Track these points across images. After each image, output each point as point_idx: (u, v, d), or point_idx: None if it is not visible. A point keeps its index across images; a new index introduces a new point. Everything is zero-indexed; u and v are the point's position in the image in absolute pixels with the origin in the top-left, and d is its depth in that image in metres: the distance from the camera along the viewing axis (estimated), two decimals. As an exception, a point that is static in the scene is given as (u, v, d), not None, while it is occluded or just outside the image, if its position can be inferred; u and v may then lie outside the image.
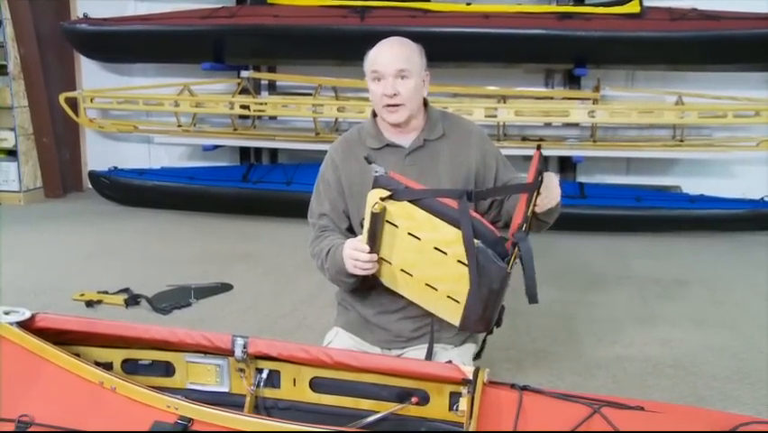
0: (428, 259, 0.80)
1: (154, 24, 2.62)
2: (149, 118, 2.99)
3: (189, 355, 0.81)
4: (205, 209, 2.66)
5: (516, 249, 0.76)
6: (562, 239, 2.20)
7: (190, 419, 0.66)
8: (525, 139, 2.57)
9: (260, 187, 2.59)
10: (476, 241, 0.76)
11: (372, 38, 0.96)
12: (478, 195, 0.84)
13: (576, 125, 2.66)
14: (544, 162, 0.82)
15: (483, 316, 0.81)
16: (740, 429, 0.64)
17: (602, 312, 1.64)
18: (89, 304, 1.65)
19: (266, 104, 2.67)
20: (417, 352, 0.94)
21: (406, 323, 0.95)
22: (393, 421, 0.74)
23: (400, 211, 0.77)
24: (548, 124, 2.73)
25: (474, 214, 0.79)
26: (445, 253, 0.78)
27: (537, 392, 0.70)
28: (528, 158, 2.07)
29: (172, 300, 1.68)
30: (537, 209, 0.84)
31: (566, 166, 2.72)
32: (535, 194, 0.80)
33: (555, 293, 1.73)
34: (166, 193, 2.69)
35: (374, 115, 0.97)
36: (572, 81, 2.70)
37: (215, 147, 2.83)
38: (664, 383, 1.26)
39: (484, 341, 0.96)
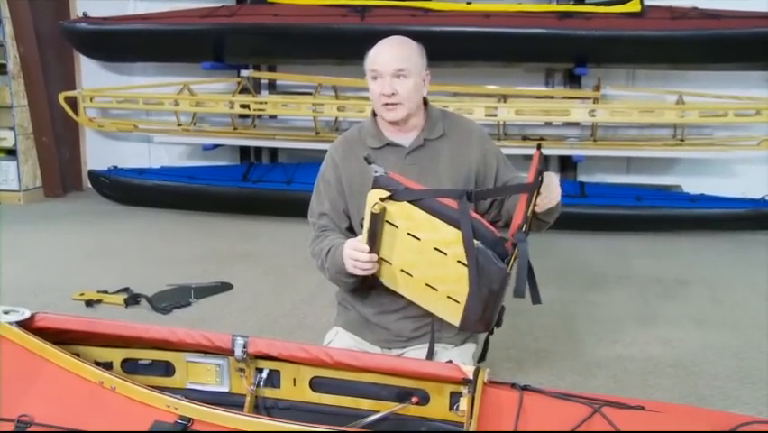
0: (428, 259, 0.80)
1: (154, 23, 2.62)
2: (149, 117, 2.99)
3: (189, 355, 0.81)
4: (205, 209, 2.66)
5: (516, 249, 0.76)
6: (562, 238, 2.20)
7: (190, 419, 0.66)
8: (525, 138, 2.57)
9: (260, 186, 2.59)
10: (476, 242, 0.76)
11: (372, 37, 0.95)
12: (478, 195, 0.84)
13: (576, 125, 2.66)
14: (545, 162, 0.81)
15: (483, 316, 0.81)
16: (741, 429, 0.64)
17: (603, 312, 1.64)
18: (89, 304, 1.65)
19: (266, 103, 2.67)
20: (418, 351, 0.94)
21: (406, 323, 0.95)
22: (393, 421, 0.74)
23: (400, 211, 0.77)
24: (548, 124, 2.73)
25: (474, 214, 0.79)
26: (445, 254, 0.78)
27: (538, 392, 0.70)
28: (529, 157, 2.06)
29: (172, 300, 1.68)
30: (537, 209, 0.84)
31: (566, 165, 2.72)
32: (536, 194, 0.80)
33: (556, 293, 1.73)
34: (166, 192, 2.69)
35: (374, 114, 0.97)
36: (573, 80, 2.70)
37: (215, 146, 2.83)
38: (665, 383, 1.26)
39: (486, 342, 0.96)
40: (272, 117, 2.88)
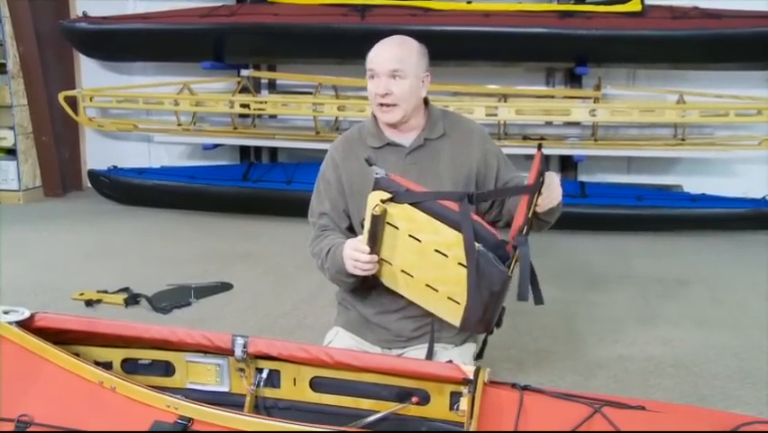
0: (429, 261, 0.80)
1: (154, 23, 2.62)
2: (148, 117, 2.99)
3: (189, 355, 0.80)
4: (205, 208, 2.66)
5: (517, 252, 0.76)
6: (562, 238, 2.19)
7: (190, 419, 0.66)
8: (525, 138, 2.57)
9: (261, 186, 2.58)
10: (477, 244, 0.75)
11: (373, 37, 0.95)
12: (479, 197, 0.84)
13: (577, 124, 2.66)
14: (546, 162, 0.81)
15: (483, 317, 0.81)
16: (742, 429, 0.64)
17: (603, 312, 1.64)
18: (89, 303, 1.65)
19: (266, 102, 2.67)
20: (418, 351, 0.94)
21: (406, 322, 0.95)
22: (393, 421, 0.74)
23: (401, 213, 0.77)
24: (549, 123, 2.72)
25: (475, 217, 0.79)
26: (446, 256, 0.78)
27: (538, 392, 0.70)
28: (529, 157, 2.07)
29: (172, 300, 1.68)
30: (538, 209, 0.83)
31: (567, 165, 2.72)
32: (537, 194, 0.80)
33: (556, 292, 1.72)
34: (166, 192, 2.69)
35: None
36: (573, 80, 2.70)
37: (215, 146, 2.82)
38: (666, 383, 1.26)
39: (485, 341, 0.96)
40: (272, 117, 2.88)
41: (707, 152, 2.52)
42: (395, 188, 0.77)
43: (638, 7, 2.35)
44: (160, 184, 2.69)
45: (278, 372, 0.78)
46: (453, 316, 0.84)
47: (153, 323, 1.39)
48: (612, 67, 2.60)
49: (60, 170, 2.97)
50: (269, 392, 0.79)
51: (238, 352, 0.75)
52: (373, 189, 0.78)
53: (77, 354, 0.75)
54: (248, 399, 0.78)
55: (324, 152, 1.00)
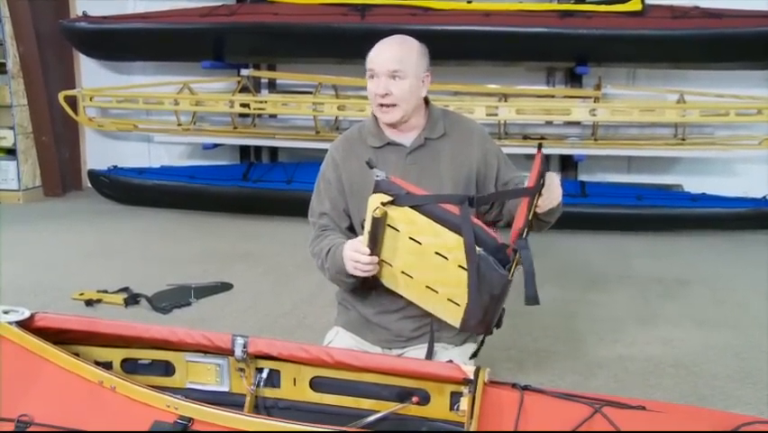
0: (429, 263, 0.80)
1: (154, 23, 2.62)
2: (148, 117, 2.99)
3: (189, 355, 0.80)
4: (205, 208, 2.66)
5: (518, 256, 0.76)
6: (563, 238, 2.19)
7: (190, 419, 0.66)
8: (526, 137, 2.57)
9: (261, 186, 2.58)
10: (477, 248, 0.75)
11: (373, 36, 0.95)
12: (479, 200, 0.84)
13: (577, 124, 2.65)
14: (546, 162, 0.81)
15: (483, 320, 0.81)
16: (742, 429, 0.64)
17: (603, 311, 1.64)
18: (89, 303, 1.65)
19: (266, 102, 2.67)
20: (418, 351, 0.94)
21: (406, 322, 0.95)
22: (394, 421, 0.74)
23: (402, 216, 0.77)
24: (549, 123, 2.72)
25: (476, 220, 0.79)
26: (446, 258, 0.78)
27: (538, 392, 0.70)
28: (530, 156, 2.06)
29: (172, 300, 1.67)
30: (538, 210, 0.83)
31: (567, 164, 2.71)
32: (537, 195, 0.80)
33: (556, 292, 1.73)
34: (166, 192, 2.68)
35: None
36: (574, 79, 2.69)
37: (215, 146, 2.82)
38: (666, 383, 1.26)
39: (482, 342, 0.96)
40: (272, 116, 2.88)
41: (707, 151, 2.52)
42: (395, 191, 0.77)
43: (638, 7, 2.35)
44: (159, 184, 2.69)
45: (278, 372, 0.78)
46: (453, 317, 0.84)
47: (153, 323, 1.39)
48: (612, 66, 2.59)
49: (60, 170, 2.97)
50: (269, 392, 0.79)
51: (238, 352, 0.75)
52: (374, 192, 0.78)
53: (77, 354, 0.75)
54: (248, 399, 0.78)
55: (325, 151, 1.00)
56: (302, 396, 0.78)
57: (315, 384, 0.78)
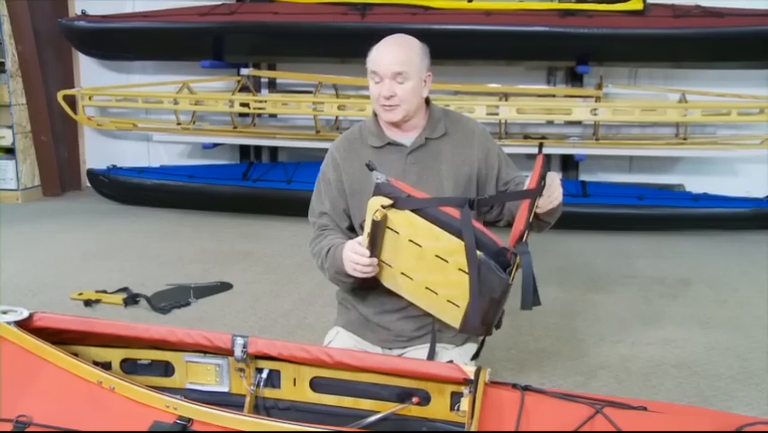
0: (429, 265, 0.80)
1: (153, 21, 2.61)
2: (148, 116, 2.99)
3: (189, 355, 0.80)
4: (204, 208, 2.66)
5: (518, 259, 0.76)
6: (564, 238, 2.19)
7: (190, 419, 0.66)
8: (527, 137, 2.56)
9: (261, 185, 2.58)
10: (478, 252, 0.75)
11: (373, 35, 0.95)
12: (480, 203, 0.84)
13: (578, 123, 2.65)
14: (547, 163, 0.81)
15: (483, 321, 0.81)
16: (744, 430, 0.63)
17: (605, 312, 1.63)
18: (88, 303, 1.64)
19: (266, 101, 2.66)
20: (418, 351, 0.93)
21: (407, 322, 0.94)
22: (394, 421, 0.74)
23: (402, 219, 0.77)
24: (550, 122, 2.72)
25: (476, 224, 0.78)
26: (447, 261, 0.78)
27: (539, 392, 0.70)
28: (530, 156, 2.06)
29: (171, 300, 1.67)
30: (539, 210, 0.83)
31: (568, 164, 2.71)
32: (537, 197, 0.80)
33: (558, 292, 1.72)
34: (165, 192, 2.68)
35: (375, 113, 0.96)
36: (575, 79, 2.69)
37: (215, 145, 2.82)
38: (668, 383, 1.25)
39: (482, 342, 0.96)
40: (272, 116, 2.88)
41: (709, 151, 2.52)
42: (396, 194, 0.77)
43: (640, 6, 2.35)
44: (159, 183, 2.69)
45: (278, 372, 0.78)
46: (453, 318, 0.84)
47: (152, 323, 1.40)
48: (614, 66, 2.59)
49: (59, 170, 2.97)
50: (268, 393, 0.79)
51: (238, 352, 0.75)
52: (374, 194, 0.78)
53: (75, 355, 0.75)
54: (248, 399, 0.78)
55: (325, 151, 0.99)
56: (302, 396, 0.78)
57: (316, 385, 0.78)
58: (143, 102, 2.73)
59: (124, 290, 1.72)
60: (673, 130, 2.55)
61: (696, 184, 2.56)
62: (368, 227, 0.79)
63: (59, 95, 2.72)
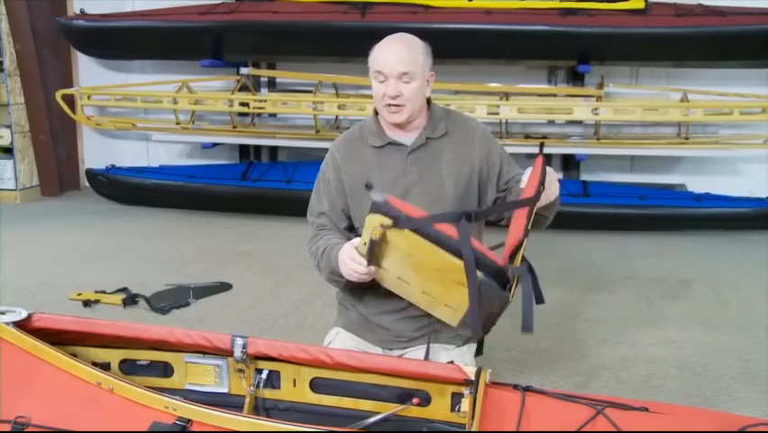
0: (428, 276, 0.80)
1: (152, 21, 2.61)
2: (147, 116, 2.98)
3: (188, 356, 0.80)
4: (204, 208, 2.65)
5: (518, 277, 0.75)
6: (565, 238, 2.18)
7: (189, 420, 0.65)
8: (527, 137, 2.56)
9: (260, 185, 2.57)
10: (479, 273, 0.75)
11: (373, 34, 0.94)
12: (478, 215, 0.84)
13: (580, 123, 2.65)
14: (547, 162, 0.80)
15: (482, 328, 0.81)
16: (746, 431, 0.63)
17: (606, 312, 1.63)
18: (87, 304, 1.64)
19: (266, 101, 2.65)
20: (419, 352, 0.93)
21: (407, 323, 0.94)
22: (394, 422, 0.74)
23: (401, 238, 0.77)
24: (551, 122, 2.71)
25: (476, 244, 0.77)
26: (446, 276, 0.78)
27: (540, 393, 0.70)
28: (531, 156, 2.05)
29: (171, 300, 1.67)
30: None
31: (569, 164, 2.70)
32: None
33: (559, 293, 1.72)
34: (164, 191, 2.68)
35: (376, 112, 0.96)
36: (576, 78, 2.69)
37: (214, 145, 2.82)
38: (669, 384, 1.25)
39: (482, 339, 0.95)
40: (272, 115, 2.88)
41: (711, 150, 2.51)
42: (394, 214, 0.76)
43: (641, 4, 2.34)
44: (158, 183, 2.68)
45: (277, 372, 0.78)
46: (450, 319, 0.84)
47: (152, 323, 1.41)
48: (615, 65, 2.59)
49: (58, 169, 2.97)
50: (268, 393, 0.78)
51: (237, 352, 0.75)
52: (371, 212, 0.77)
53: (74, 355, 0.75)
54: (247, 400, 0.78)
55: (325, 150, 0.99)
56: (302, 397, 0.78)
57: (316, 385, 0.77)
58: (142, 101, 2.72)
59: (123, 290, 1.72)
60: (675, 129, 2.54)
61: (698, 184, 2.55)
62: (366, 236, 0.78)
63: (58, 94, 2.71)
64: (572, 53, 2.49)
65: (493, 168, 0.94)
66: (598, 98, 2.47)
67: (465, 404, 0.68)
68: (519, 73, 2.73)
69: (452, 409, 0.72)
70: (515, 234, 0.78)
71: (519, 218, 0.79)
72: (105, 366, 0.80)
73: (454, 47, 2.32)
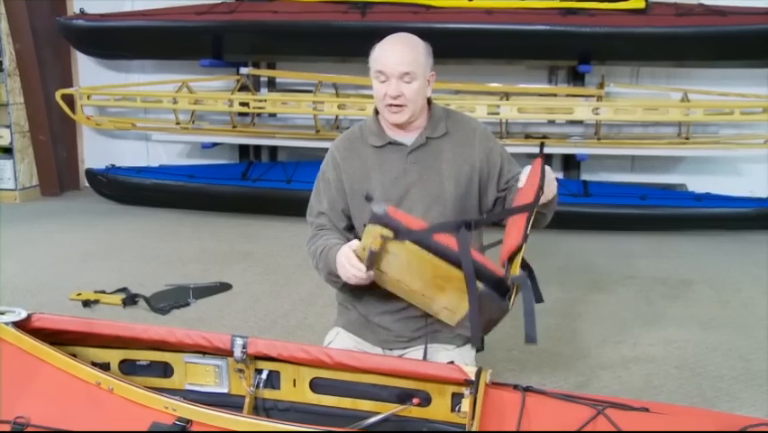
0: (427, 283, 0.80)
1: (152, 20, 2.61)
2: (147, 115, 2.98)
3: (188, 356, 0.80)
4: (203, 208, 2.65)
5: (518, 286, 0.75)
6: (566, 238, 2.18)
7: (189, 420, 0.65)
8: (528, 137, 2.55)
9: (260, 185, 2.57)
10: (479, 284, 0.75)
11: (373, 34, 0.94)
12: (478, 224, 0.83)
13: (580, 123, 2.64)
14: (546, 163, 0.80)
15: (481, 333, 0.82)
16: (747, 431, 0.63)
17: (607, 312, 1.62)
18: (86, 304, 1.64)
19: (265, 101, 2.65)
20: (419, 352, 0.93)
21: (407, 323, 0.94)
22: (394, 422, 0.73)
23: (401, 248, 0.77)
24: (552, 122, 2.71)
25: (476, 255, 0.78)
26: (445, 284, 0.78)
27: (540, 393, 0.70)
28: (531, 156, 2.04)
29: (171, 300, 1.67)
30: None
31: (570, 164, 2.70)
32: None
33: (559, 293, 1.72)
34: (164, 191, 2.68)
35: (376, 112, 0.96)
36: (576, 78, 2.68)
37: (214, 145, 2.82)
38: (670, 384, 1.25)
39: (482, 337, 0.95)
40: (272, 115, 2.88)
41: (711, 150, 2.51)
42: (395, 225, 0.76)
43: (642, 4, 2.34)
44: (158, 183, 2.68)
45: (277, 373, 0.78)
46: (449, 319, 0.84)
47: (151, 323, 1.41)
48: (615, 65, 2.58)
49: (58, 169, 2.97)
50: (268, 393, 0.78)
51: (237, 352, 0.75)
52: (370, 222, 0.77)
53: (74, 355, 0.75)
54: (247, 400, 0.78)
55: (325, 150, 0.99)
56: (302, 397, 0.77)
57: (315, 385, 0.77)
58: (142, 101, 2.72)
59: (123, 290, 1.71)
60: (676, 129, 2.54)
61: (698, 184, 2.55)
62: (365, 243, 0.78)
63: (58, 94, 2.71)
64: (573, 53, 2.48)
65: (494, 167, 0.94)
66: (599, 98, 2.46)
67: (465, 404, 0.68)
68: (520, 73, 2.72)
69: (453, 410, 0.72)
70: (513, 238, 0.78)
71: (518, 221, 0.79)
72: (104, 366, 0.80)
73: (455, 47, 2.32)
